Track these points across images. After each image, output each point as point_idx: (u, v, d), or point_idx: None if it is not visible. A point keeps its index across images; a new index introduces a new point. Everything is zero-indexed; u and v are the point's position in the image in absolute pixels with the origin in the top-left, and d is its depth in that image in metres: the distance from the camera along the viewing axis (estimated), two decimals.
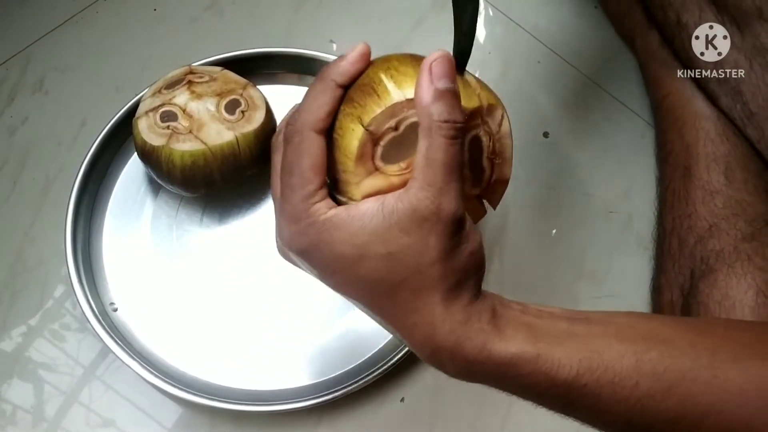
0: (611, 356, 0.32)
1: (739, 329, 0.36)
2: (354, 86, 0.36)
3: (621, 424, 0.32)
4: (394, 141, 0.35)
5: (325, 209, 0.34)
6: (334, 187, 0.37)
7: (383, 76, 0.35)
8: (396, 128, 0.35)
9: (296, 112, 0.37)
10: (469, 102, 0.35)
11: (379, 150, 0.35)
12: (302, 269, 0.38)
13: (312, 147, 0.35)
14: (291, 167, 0.35)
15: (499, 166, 0.38)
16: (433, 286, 0.32)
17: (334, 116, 0.36)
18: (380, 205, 0.33)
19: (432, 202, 0.32)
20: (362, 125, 0.34)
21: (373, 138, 0.35)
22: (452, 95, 0.33)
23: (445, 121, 0.32)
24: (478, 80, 0.37)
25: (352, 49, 0.36)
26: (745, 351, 0.32)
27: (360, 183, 0.35)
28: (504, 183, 0.39)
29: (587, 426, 0.34)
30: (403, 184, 0.34)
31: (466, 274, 0.33)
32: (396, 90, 0.35)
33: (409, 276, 0.32)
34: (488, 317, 0.33)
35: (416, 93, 0.33)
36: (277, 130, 0.41)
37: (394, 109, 0.34)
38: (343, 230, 0.33)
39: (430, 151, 0.32)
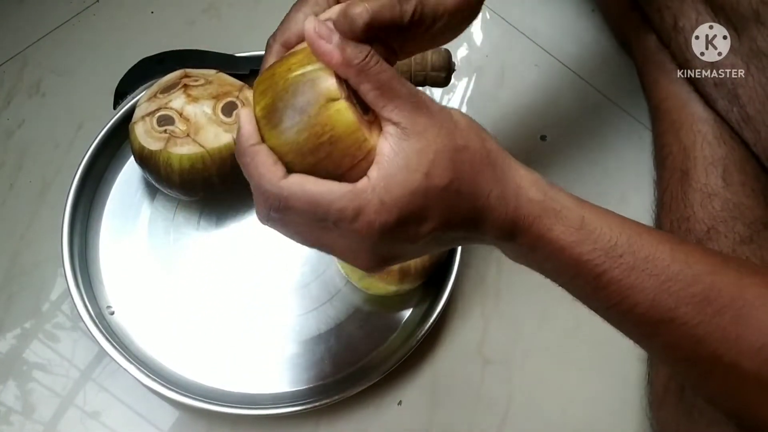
0: (650, 239, 0.34)
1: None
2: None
3: (646, 304, 0.33)
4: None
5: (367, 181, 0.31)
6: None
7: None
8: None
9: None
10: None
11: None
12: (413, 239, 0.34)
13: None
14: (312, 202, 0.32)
15: None
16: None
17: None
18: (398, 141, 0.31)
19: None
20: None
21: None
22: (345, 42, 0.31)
23: (363, 60, 0.31)
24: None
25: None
26: None
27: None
28: None
29: (612, 309, 0.35)
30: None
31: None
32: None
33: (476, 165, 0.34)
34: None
35: (324, 59, 0.31)
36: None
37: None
38: (399, 176, 0.31)
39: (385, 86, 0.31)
